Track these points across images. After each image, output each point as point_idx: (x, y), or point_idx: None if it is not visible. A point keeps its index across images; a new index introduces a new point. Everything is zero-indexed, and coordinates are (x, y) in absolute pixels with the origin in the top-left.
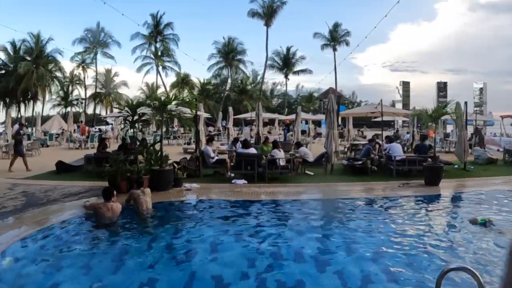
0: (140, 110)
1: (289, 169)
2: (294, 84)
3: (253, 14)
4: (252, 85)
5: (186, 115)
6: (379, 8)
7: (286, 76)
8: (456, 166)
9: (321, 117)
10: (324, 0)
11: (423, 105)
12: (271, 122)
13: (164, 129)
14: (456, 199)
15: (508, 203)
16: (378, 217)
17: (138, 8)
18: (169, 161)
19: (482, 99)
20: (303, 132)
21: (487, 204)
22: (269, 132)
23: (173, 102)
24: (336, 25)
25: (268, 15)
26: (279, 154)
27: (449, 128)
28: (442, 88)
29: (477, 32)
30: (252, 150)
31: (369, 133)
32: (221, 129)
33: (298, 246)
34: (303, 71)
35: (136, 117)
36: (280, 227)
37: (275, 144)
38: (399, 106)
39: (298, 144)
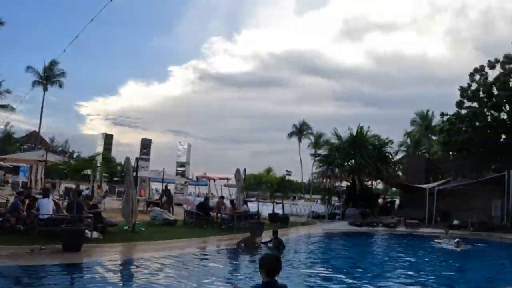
0: None
1: None
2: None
3: None
4: None
5: None
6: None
7: None
8: (126, 227)
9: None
10: (45, 33)
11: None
12: None
13: None
14: (86, 269)
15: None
16: None
17: None
18: None
19: (186, 159)
20: None
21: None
22: None
23: None
24: (53, 63)
25: None
26: None
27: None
28: (146, 145)
29: (204, 100)
30: None
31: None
32: None
33: None
34: (4, 106)
35: None
36: None
37: None
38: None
39: None
